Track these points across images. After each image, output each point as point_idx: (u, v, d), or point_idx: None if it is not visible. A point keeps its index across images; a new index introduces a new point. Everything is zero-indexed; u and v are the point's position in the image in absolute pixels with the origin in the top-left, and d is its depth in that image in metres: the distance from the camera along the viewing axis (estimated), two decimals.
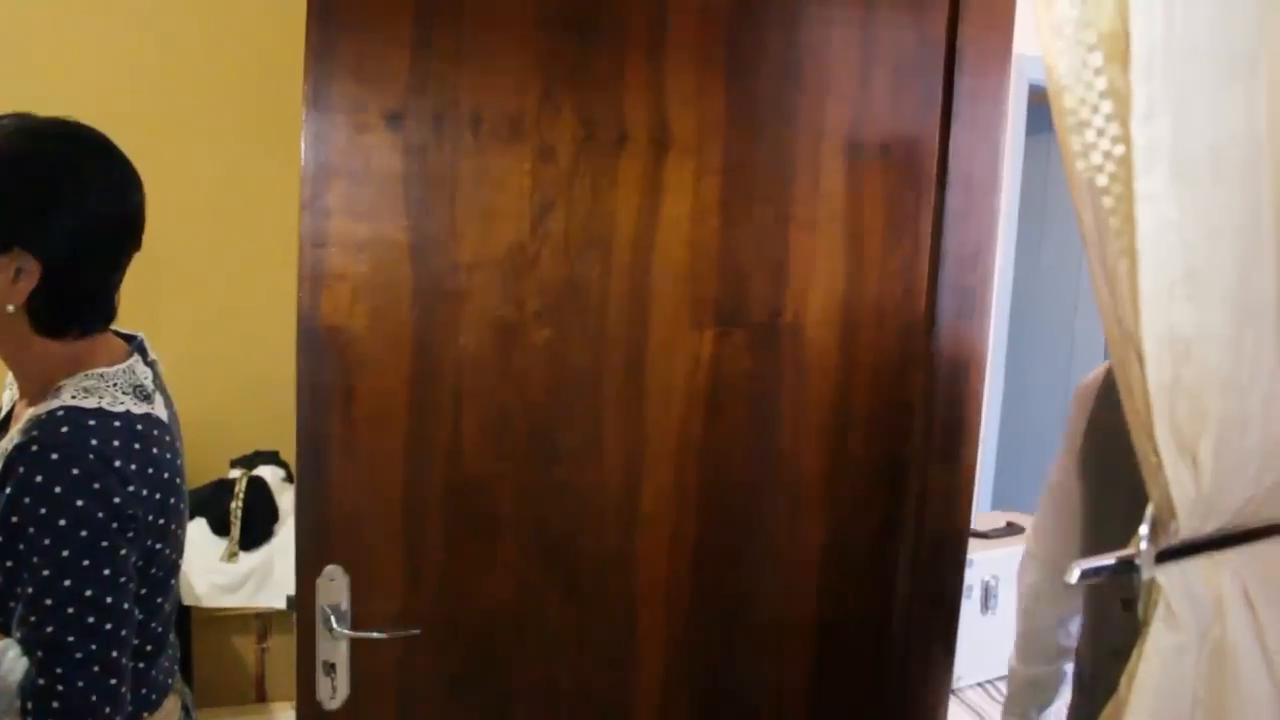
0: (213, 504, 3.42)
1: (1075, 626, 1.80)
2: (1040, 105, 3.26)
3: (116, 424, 1.41)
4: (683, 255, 1.68)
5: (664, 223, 1.67)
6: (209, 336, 3.80)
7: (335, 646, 1.58)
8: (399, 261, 1.59)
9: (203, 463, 3.75)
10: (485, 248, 1.61)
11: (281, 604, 3.33)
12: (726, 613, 1.81)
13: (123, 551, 1.38)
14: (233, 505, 3.38)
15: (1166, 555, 0.78)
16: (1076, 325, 3.91)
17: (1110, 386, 1.48)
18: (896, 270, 1.81)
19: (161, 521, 1.50)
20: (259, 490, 3.45)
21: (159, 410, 1.55)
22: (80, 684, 1.33)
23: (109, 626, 1.35)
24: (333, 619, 1.57)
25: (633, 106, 1.64)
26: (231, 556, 3.32)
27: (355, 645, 1.59)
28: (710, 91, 1.67)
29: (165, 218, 3.74)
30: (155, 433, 1.49)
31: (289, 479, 3.62)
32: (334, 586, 1.58)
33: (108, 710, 1.35)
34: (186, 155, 3.75)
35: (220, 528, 3.37)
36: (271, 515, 3.43)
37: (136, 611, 1.43)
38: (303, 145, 1.57)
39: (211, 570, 3.27)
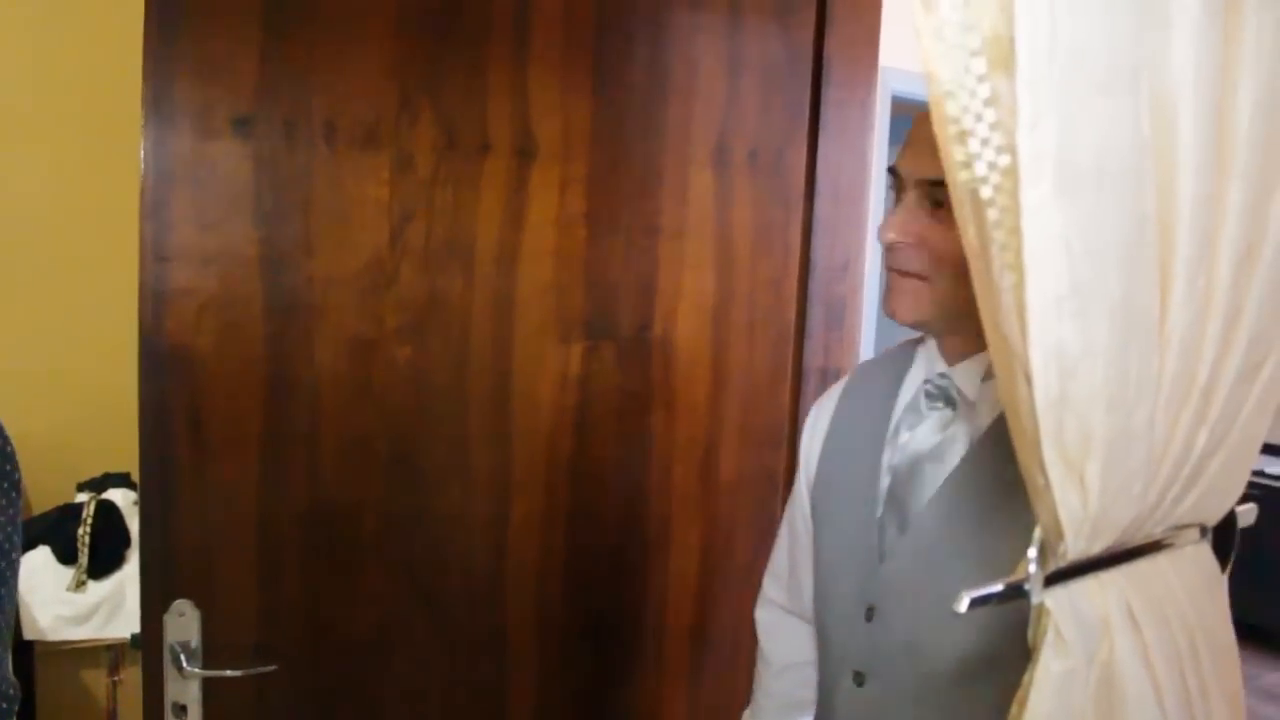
0: (58, 530, 3.23)
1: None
2: (903, 117, 3.32)
3: None
4: (548, 267, 1.63)
5: (529, 234, 1.62)
6: (51, 353, 3.60)
7: (186, 686, 1.48)
8: (249, 276, 1.50)
9: (46, 486, 3.55)
10: (342, 261, 1.53)
11: (134, 633, 3.17)
12: (601, 632, 1.76)
13: None
14: (80, 531, 3.19)
15: (1053, 579, 0.76)
16: None
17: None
18: (766, 281, 1.79)
19: None
20: (109, 515, 3.27)
21: None
22: None
23: None
24: (183, 657, 1.48)
25: (495, 114, 1.58)
26: (79, 586, 3.14)
27: (208, 684, 1.49)
28: (575, 99, 1.62)
29: (3, 224, 3.54)
30: None
31: None
32: (183, 622, 1.48)
33: None
34: (21, 157, 3.55)
35: (66, 556, 3.18)
36: (123, 541, 3.26)
37: None
38: (142, 151, 1.48)
39: (57, 601, 3.09)
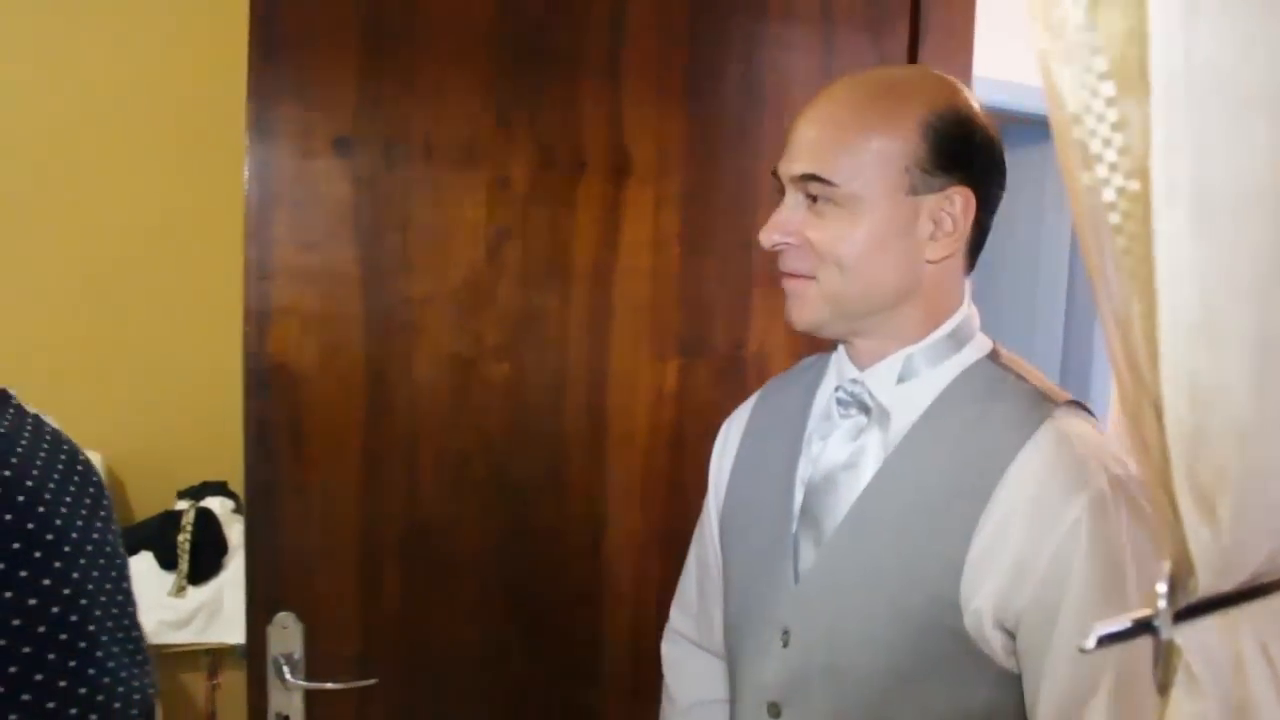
0: (159, 537, 3.32)
1: None
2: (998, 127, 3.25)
3: None
4: (643, 285, 1.63)
5: (623, 251, 1.62)
6: (154, 365, 3.70)
7: (289, 697, 1.51)
8: (350, 294, 1.53)
9: (148, 494, 3.65)
10: (440, 279, 1.55)
11: (232, 639, 3.23)
12: None
13: None
14: (180, 538, 3.28)
15: (1183, 615, 0.74)
16: (1034, 343, 3.91)
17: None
18: None
19: None
20: (208, 522, 3.35)
21: None
22: None
23: None
24: (286, 669, 1.50)
25: (591, 132, 1.59)
26: (180, 591, 3.22)
27: (310, 696, 1.52)
28: (669, 117, 1.62)
29: (108, 242, 3.65)
30: None
31: (238, 510, 3.52)
32: (286, 634, 1.51)
33: None
34: (127, 177, 3.66)
35: (167, 562, 3.27)
36: (220, 548, 3.34)
37: None
38: (246, 173, 1.51)
39: (159, 606, 3.17)
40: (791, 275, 1.11)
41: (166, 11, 3.60)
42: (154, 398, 3.68)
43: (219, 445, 3.52)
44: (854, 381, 1.13)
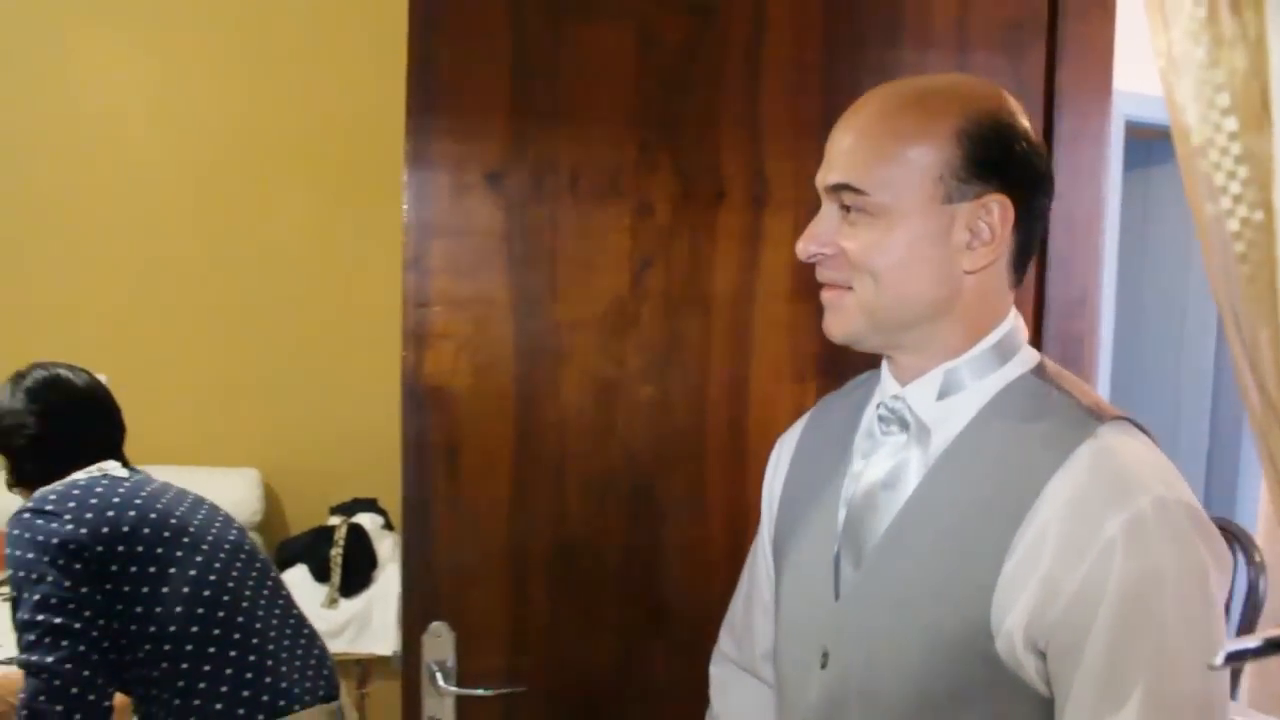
0: (313, 550, 3.48)
1: None
2: (1137, 140, 3.20)
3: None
4: (783, 309, 1.67)
5: (763, 277, 1.66)
6: (312, 386, 3.89)
7: (441, 703, 1.59)
8: (501, 320, 1.60)
9: (303, 509, 3.83)
10: (586, 305, 1.62)
11: (380, 650, 3.37)
12: None
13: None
14: (333, 552, 3.43)
15: None
16: (1181, 365, 3.81)
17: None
18: None
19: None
20: (359, 537, 3.50)
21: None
22: None
23: None
24: (439, 675, 1.58)
25: (730, 162, 1.64)
26: (332, 603, 3.37)
27: (461, 702, 1.59)
28: (806, 145, 1.66)
29: (271, 273, 3.86)
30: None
31: (388, 526, 3.67)
32: (440, 643, 1.59)
33: None
34: (290, 213, 3.86)
35: (320, 574, 3.42)
36: (370, 562, 3.48)
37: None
38: (404, 205, 1.60)
39: (313, 616, 3.31)
40: (828, 286, 1.10)
41: (330, 57, 3.80)
42: (310, 418, 3.87)
43: (370, 464, 3.68)
44: (895, 398, 1.11)
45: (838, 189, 1.06)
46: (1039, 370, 1.11)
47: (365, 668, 3.50)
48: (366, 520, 3.60)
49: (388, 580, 3.44)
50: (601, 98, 1.59)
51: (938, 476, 1.08)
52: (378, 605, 3.40)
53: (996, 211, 1.04)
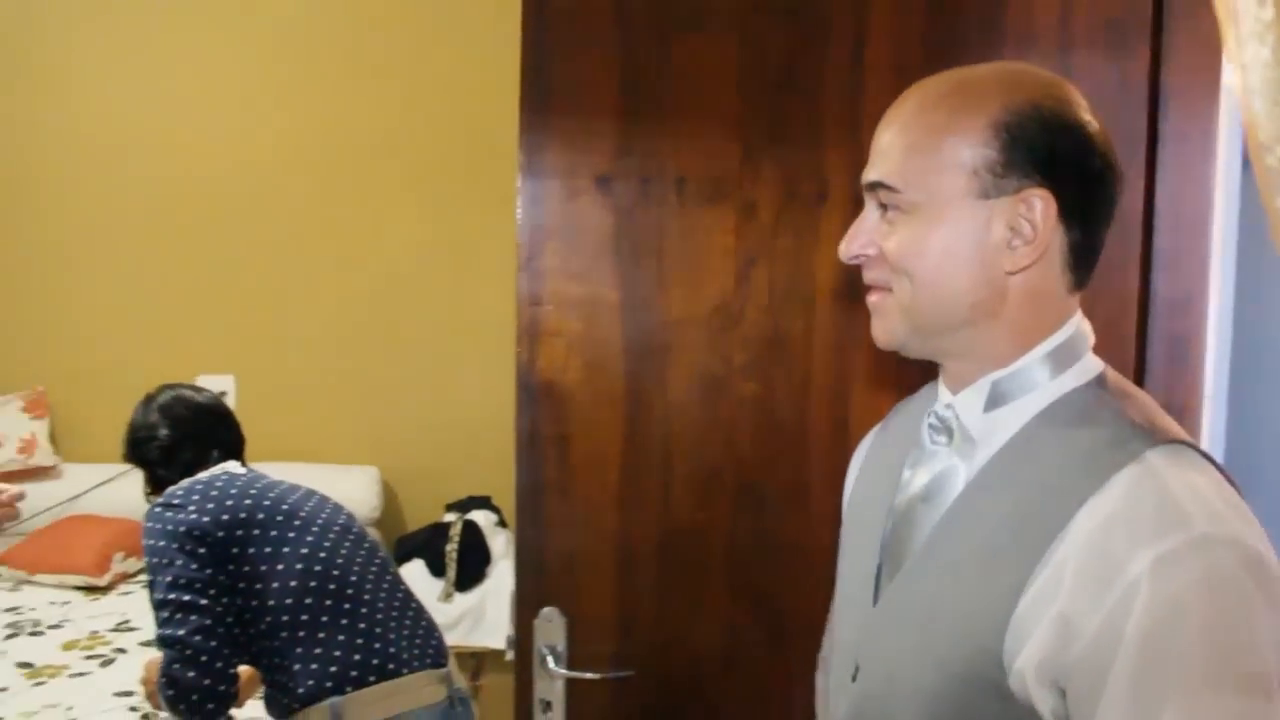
0: (429, 546, 3.59)
1: None
2: None
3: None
4: None
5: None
6: (429, 387, 4.02)
7: (552, 685, 1.66)
8: (610, 318, 1.67)
9: (420, 506, 3.96)
10: (692, 304, 1.68)
11: (494, 643, 3.46)
12: None
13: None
14: (448, 548, 3.54)
15: None
16: None
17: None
18: (1102, 317, 1.78)
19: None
20: (473, 533, 3.60)
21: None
22: None
23: None
24: (549, 659, 1.65)
25: (832, 164, 1.68)
26: (448, 597, 3.47)
27: (570, 684, 1.66)
28: None
29: (390, 279, 4.00)
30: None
31: (501, 523, 3.77)
32: (551, 627, 1.66)
33: None
34: (408, 220, 4.00)
35: (436, 569, 3.53)
36: (484, 558, 3.58)
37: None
38: (518, 209, 1.68)
39: (429, 610, 3.43)
40: (873, 289, 1.06)
41: (449, 68, 3.93)
42: (427, 419, 4.00)
43: (484, 462, 3.80)
44: (947, 407, 1.05)
45: (874, 187, 1.03)
46: (1097, 383, 1.02)
47: (479, 660, 3.60)
48: (480, 517, 3.71)
49: (501, 575, 3.53)
50: (706, 103, 1.65)
51: (973, 494, 1.02)
52: (491, 600, 3.49)
53: (1039, 208, 0.97)
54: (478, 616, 3.48)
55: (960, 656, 0.96)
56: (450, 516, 3.73)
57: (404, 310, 4.03)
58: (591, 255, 1.68)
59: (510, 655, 3.29)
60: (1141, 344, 1.79)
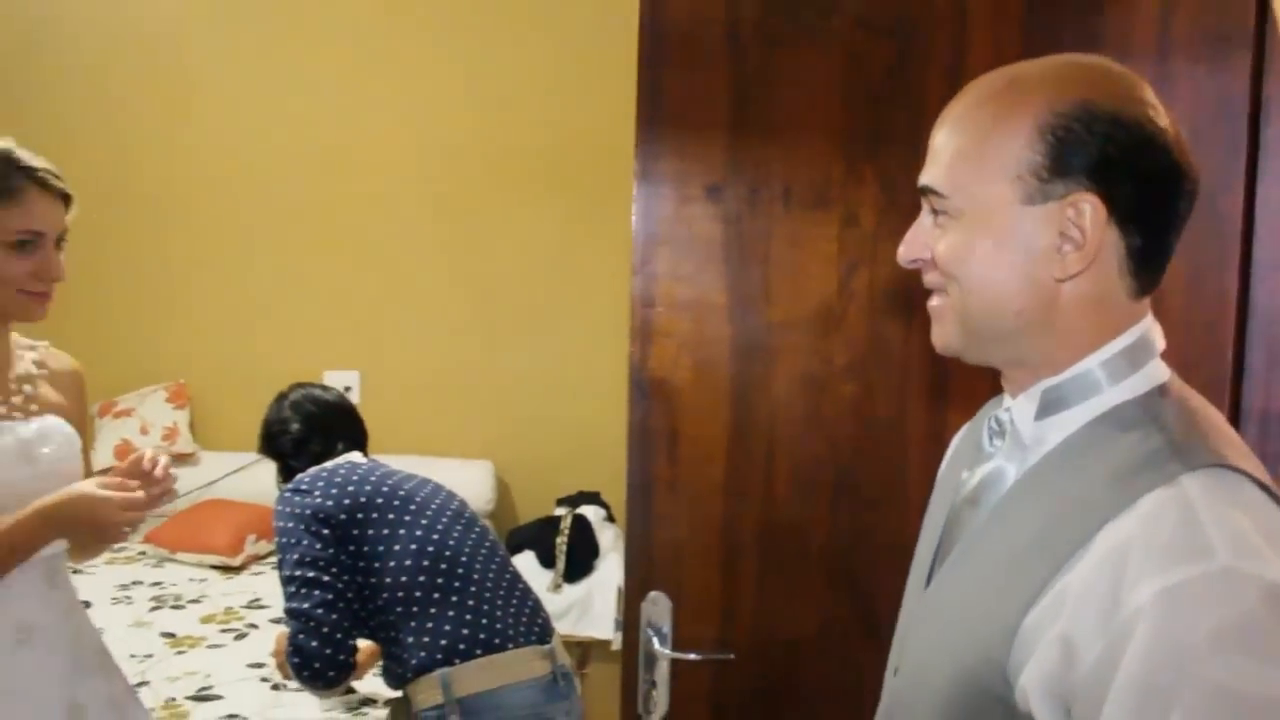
0: (539, 538, 3.72)
1: None
2: None
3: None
4: None
5: None
6: (543, 385, 4.16)
7: (657, 665, 1.76)
8: (718, 320, 1.77)
9: (532, 500, 4.11)
10: (796, 307, 1.76)
11: (600, 634, 3.58)
12: None
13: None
14: (558, 540, 3.66)
15: None
16: None
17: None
18: (1199, 323, 1.81)
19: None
20: (582, 527, 3.72)
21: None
22: None
23: None
24: (655, 640, 1.75)
25: None
26: (556, 588, 3.60)
27: (675, 665, 1.76)
28: None
29: (506, 281, 4.15)
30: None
31: (609, 518, 3.88)
32: (657, 610, 1.76)
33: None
34: (524, 225, 4.16)
35: (546, 561, 3.66)
36: (593, 551, 3.69)
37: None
38: (633, 216, 1.79)
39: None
40: (930, 293, 1.05)
41: (566, 81, 4.08)
42: (540, 416, 4.14)
43: (594, 458, 3.93)
44: (1005, 410, 1.03)
45: (924, 192, 1.03)
46: (1156, 395, 0.97)
47: (585, 650, 3.71)
48: (590, 512, 3.82)
49: (608, 569, 3.64)
50: (811, 116, 1.73)
51: (1011, 500, 1.01)
52: (598, 592, 3.60)
53: (1087, 213, 0.93)
54: (585, 607, 3.60)
55: (971, 664, 0.95)
56: (561, 510, 3.85)
57: (520, 311, 4.18)
58: (701, 260, 1.78)
59: (616, 645, 3.40)
60: (1240, 350, 1.81)
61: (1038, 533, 0.93)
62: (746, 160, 1.75)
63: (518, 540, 3.77)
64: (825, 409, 1.77)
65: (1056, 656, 0.87)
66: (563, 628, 3.51)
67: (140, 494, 1.64)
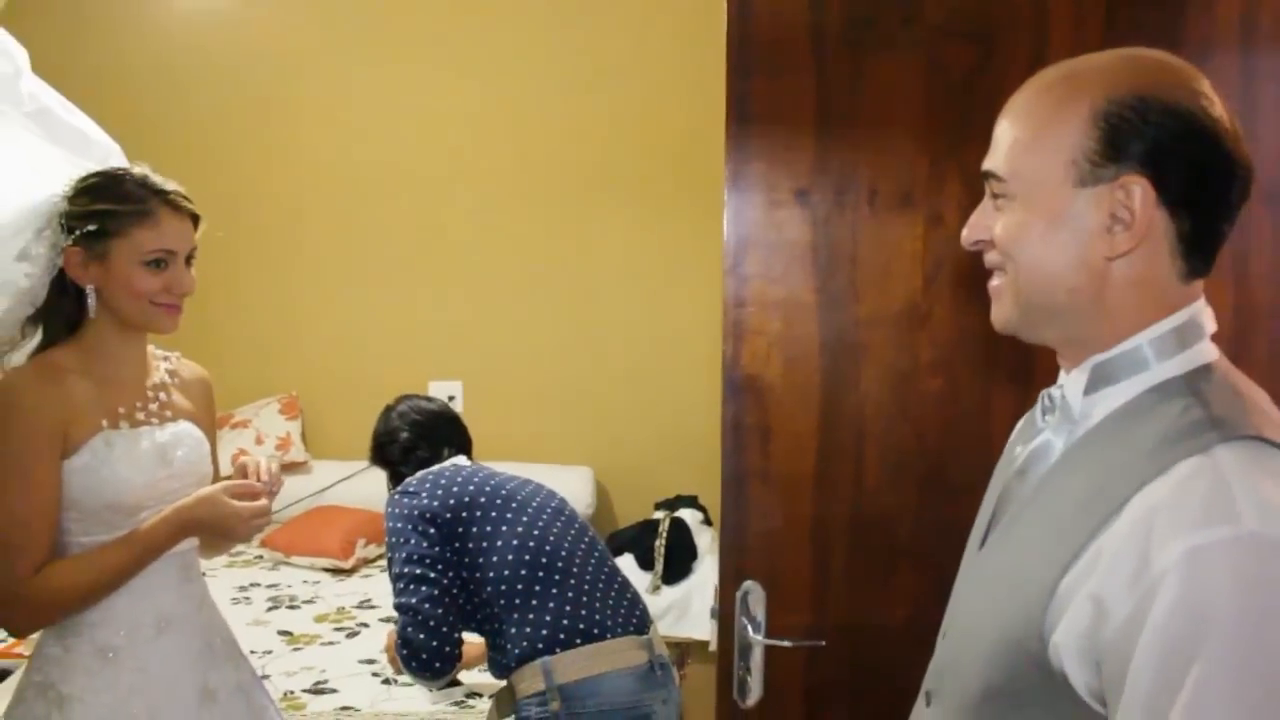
0: (639, 541, 3.80)
1: None
2: None
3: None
4: None
5: None
6: (639, 391, 4.26)
7: (751, 651, 1.82)
8: (807, 318, 1.83)
9: (631, 504, 4.20)
10: (882, 304, 1.82)
11: (697, 635, 3.64)
12: None
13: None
14: (656, 543, 3.74)
15: None
16: None
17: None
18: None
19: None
20: (680, 530, 3.79)
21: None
22: None
23: None
24: (749, 627, 1.82)
25: None
26: (655, 590, 3.67)
27: (768, 651, 1.82)
28: None
29: (602, 289, 4.25)
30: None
31: (706, 521, 3.95)
32: (751, 598, 1.82)
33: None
34: (620, 234, 4.27)
35: (645, 563, 3.74)
36: (691, 554, 3.76)
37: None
38: (725, 220, 1.86)
39: None
40: (991, 272, 1.11)
41: (657, 88, 4.18)
42: (638, 422, 4.24)
43: (692, 463, 4.00)
44: (1058, 387, 1.09)
45: (985, 176, 1.09)
46: (1202, 372, 1.01)
47: (683, 650, 3.78)
48: (688, 515, 3.90)
49: (706, 571, 3.70)
50: (895, 120, 1.79)
51: (1056, 471, 1.06)
52: (696, 594, 3.67)
53: (1137, 195, 0.98)
54: (683, 609, 3.66)
55: (1011, 624, 1.00)
56: (659, 514, 3.92)
57: (616, 318, 4.28)
58: (790, 261, 1.84)
59: (714, 645, 3.46)
60: None
61: (1079, 500, 0.98)
62: (833, 164, 1.82)
63: (617, 543, 3.86)
64: (912, 402, 1.82)
65: (1088, 615, 0.92)
66: (661, 629, 3.56)
67: (263, 501, 1.76)
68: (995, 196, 1.09)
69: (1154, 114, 0.98)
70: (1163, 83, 1.00)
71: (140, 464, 1.75)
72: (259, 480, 1.79)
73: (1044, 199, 1.03)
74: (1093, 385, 1.04)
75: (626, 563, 3.72)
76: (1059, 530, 0.99)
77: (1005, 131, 1.08)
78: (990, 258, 1.11)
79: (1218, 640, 0.84)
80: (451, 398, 4.12)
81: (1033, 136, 1.04)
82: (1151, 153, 0.98)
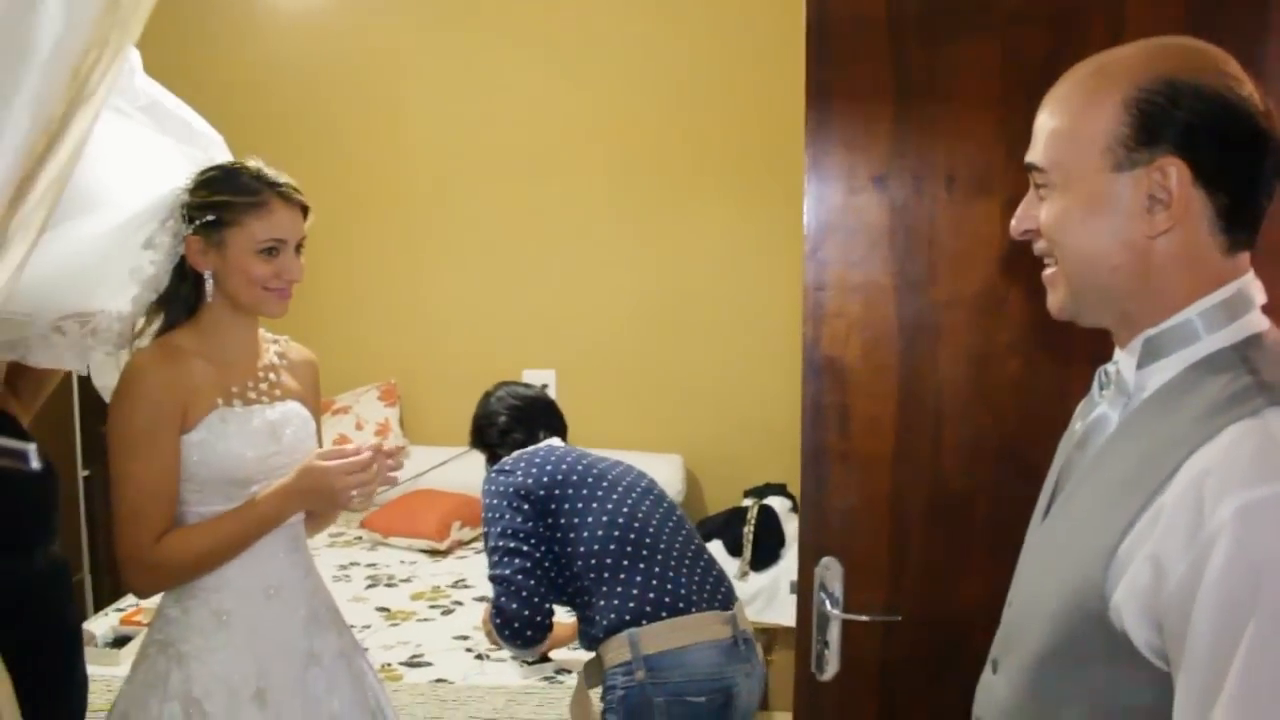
0: (727, 528, 3.86)
1: None
2: None
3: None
4: None
5: None
6: (728, 380, 4.31)
7: (829, 625, 1.87)
8: (886, 301, 1.87)
9: (720, 491, 4.25)
10: (959, 288, 1.85)
11: (785, 621, 3.68)
12: None
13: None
14: (745, 530, 3.80)
15: None
16: None
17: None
18: None
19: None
20: (768, 518, 3.84)
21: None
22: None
23: None
24: (827, 602, 1.86)
25: None
26: (743, 575, 3.73)
27: (845, 625, 1.86)
28: None
29: (691, 280, 4.32)
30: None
31: (794, 509, 3.99)
32: (830, 574, 1.87)
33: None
34: (705, 225, 4.32)
35: (734, 549, 3.80)
36: (779, 541, 3.81)
37: None
38: (805, 206, 1.91)
39: None
40: (1043, 263, 1.17)
41: (738, 82, 4.23)
42: (727, 410, 4.30)
43: (781, 451, 4.03)
44: (1113, 362, 1.15)
45: (1028, 169, 1.16)
46: (1252, 341, 1.05)
47: (770, 636, 3.82)
48: (776, 503, 3.94)
49: (794, 558, 3.71)
50: (971, 106, 1.82)
51: (1112, 442, 1.11)
52: (784, 580, 3.71)
53: (1173, 175, 1.02)
54: (771, 595, 3.71)
55: (1074, 587, 1.05)
56: (748, 502, 3.98)
57: (704, 307, 4.35)
58: (869, 245, 1.88)
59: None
60: None
61: (1134, 468, 1.04)
62: (910, 150, 1.85)
63: (706, 530, 3.92)
64: (989, 383, 1.85)
65: (1148, 575, 0.97)
66: (749, 614, 3.62)
67: (361, 456, 1.85)
68: (1038, 187, 1.14)
69: (1184, 97, 1.02)
70: (1190, 67, 1.04)
71: (252, 439, 1.86)
72: (383, 450, 1.87)
73: (1083, 186, 1.08)
74: (1145, 359, 1.09)
75: (715, 549, 3.78)
76: (1117, 497, 1.04)
77: (1043, 124, 1.13)
78: (1039, 246, 1.16)
79: (1272, 592, 0.88)
80: (545, 385, 4.21)
81: (1069, 127, 1.09)
82: (1184, 134, 1.03)
